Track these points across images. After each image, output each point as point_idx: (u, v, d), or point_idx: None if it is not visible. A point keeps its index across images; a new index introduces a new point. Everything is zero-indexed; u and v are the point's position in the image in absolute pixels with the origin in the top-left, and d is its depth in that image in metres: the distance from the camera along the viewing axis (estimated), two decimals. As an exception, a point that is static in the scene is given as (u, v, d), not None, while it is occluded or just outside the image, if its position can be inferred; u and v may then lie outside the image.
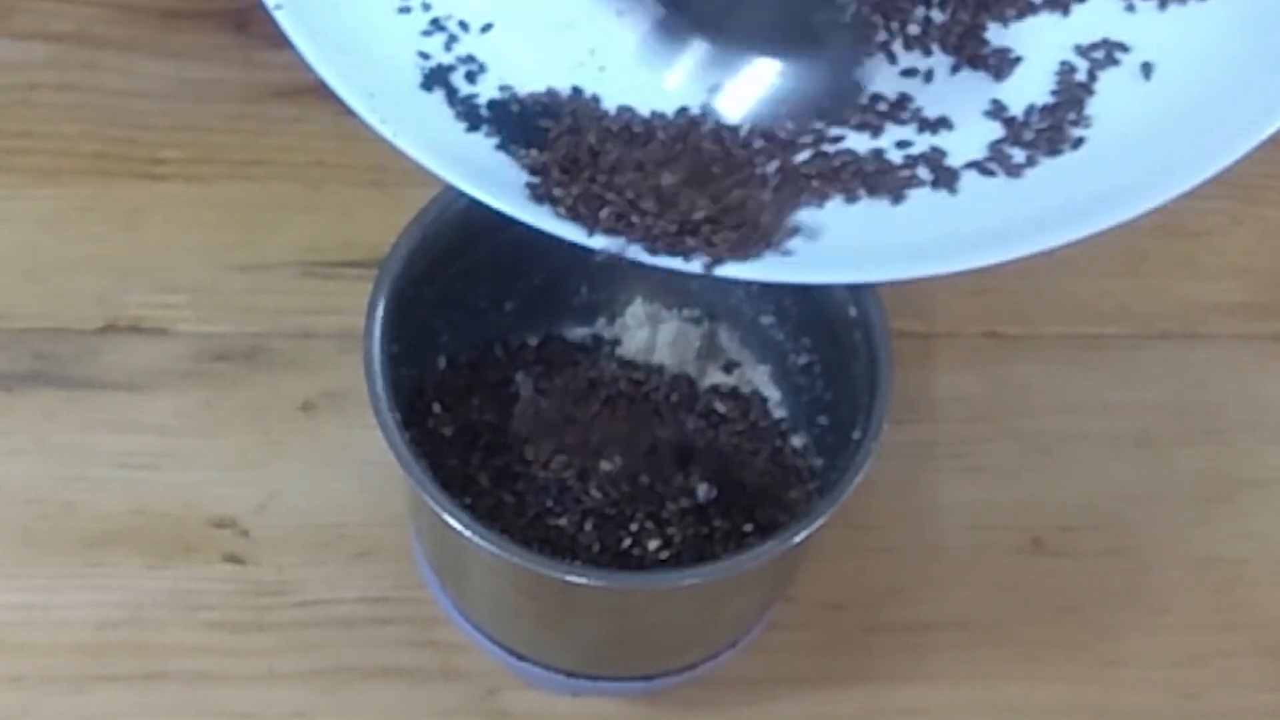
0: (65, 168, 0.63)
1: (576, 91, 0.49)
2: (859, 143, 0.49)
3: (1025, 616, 0.57)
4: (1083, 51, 0.51)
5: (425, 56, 0.49)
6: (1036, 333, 0.62)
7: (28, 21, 0.66)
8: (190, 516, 0.57)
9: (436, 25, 0.50)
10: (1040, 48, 0.51)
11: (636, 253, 0.46)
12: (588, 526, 0.49)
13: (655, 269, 0.46)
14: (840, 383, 0.51)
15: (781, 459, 0.53)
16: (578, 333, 0.56)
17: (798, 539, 0.46)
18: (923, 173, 0.49)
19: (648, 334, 0.55)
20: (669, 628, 0.51)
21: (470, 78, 0.49)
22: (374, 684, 0.55)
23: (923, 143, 0.49)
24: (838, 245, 0.47)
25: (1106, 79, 0.50)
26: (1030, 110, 0.50)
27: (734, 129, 0.49)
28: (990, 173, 0.49)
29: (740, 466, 0.52)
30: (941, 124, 0.50)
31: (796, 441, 0.53)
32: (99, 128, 0.64)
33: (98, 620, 0.56)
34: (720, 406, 0.53)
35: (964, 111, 0.50)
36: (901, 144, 0.49)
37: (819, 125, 0.49)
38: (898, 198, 0.48)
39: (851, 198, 0.48)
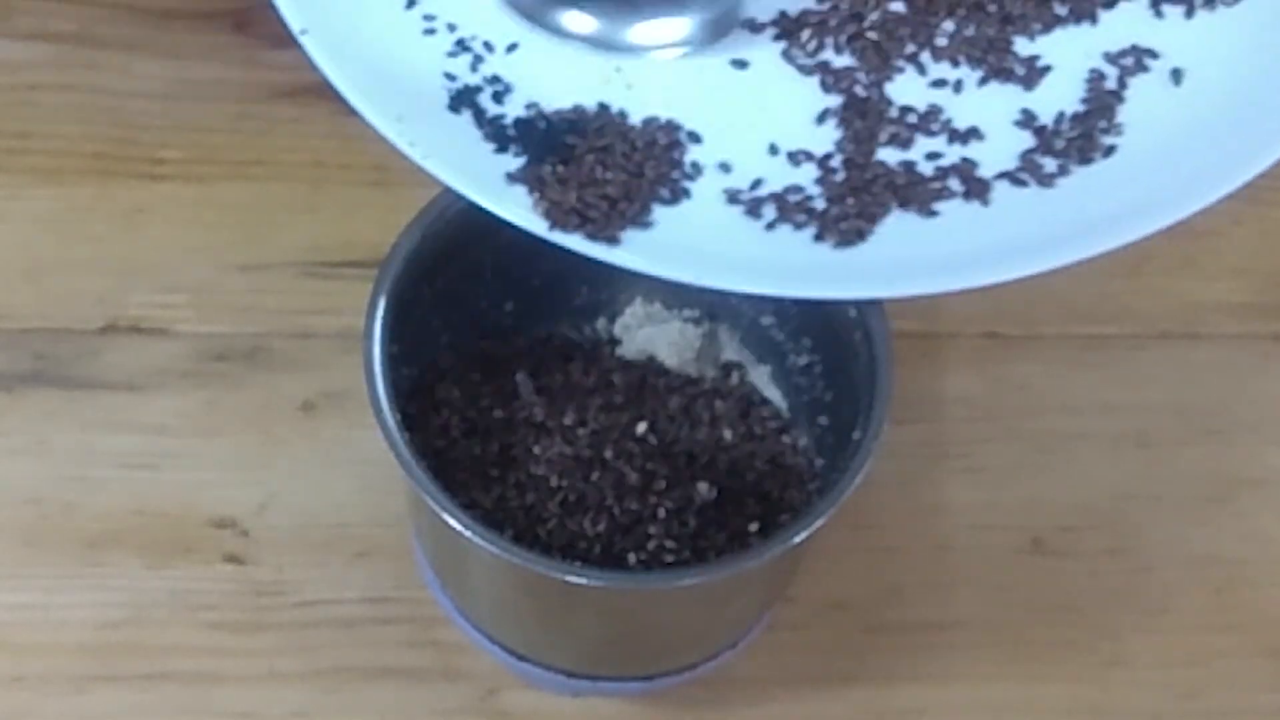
0: (65, 168, 0.63)
1: (603, 108, 0.49)
2: (889, 155, 0.49)
3: (1025, 616, 0.57)
4: (1112, 59, 0.50)
5: (452, 78, 0.49)
6: (1037, 333, 0.62)
7: (28, 21, 0.66)
8: (190, 517, 0.57)
9: (462, 46, 0.50)
10: (1069, 56, 0.51)
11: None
12: (588, 527, 0.49)
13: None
14: (840, 383, 0.51)
15: (781, 459, 0.53)
16: (578, 333, 0.56)
17: (798, 539, 0.46)
18: (954, 184, 0.49)
19: (648, 334, 0.55)
20: (669, 628, 0.51)
21: (497, 98, 0.49)
22: (374, 684, 0.55)
23: (953, 154, 0.49)
24: (871, 259, 0.47)
25: (1137, 86, 0.50)
26: (1061, 119, 0.50)
27: None
28: (1022, 183, 0.48)
29: (740, 466, 0.52)
30: (972, 134, 0.50)
31: (797, 441, 0.53)
32: (99, 128, 0.64)
33: (98, 620, 0.56)
34: (720, 407, 0.53)
35: (994, 121, 0.50)
36: (931, 155, 0.49)
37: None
38: (930, 211, 0.48)
39: (883, 211, 0.48)
